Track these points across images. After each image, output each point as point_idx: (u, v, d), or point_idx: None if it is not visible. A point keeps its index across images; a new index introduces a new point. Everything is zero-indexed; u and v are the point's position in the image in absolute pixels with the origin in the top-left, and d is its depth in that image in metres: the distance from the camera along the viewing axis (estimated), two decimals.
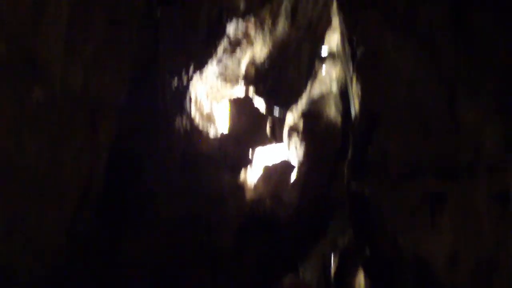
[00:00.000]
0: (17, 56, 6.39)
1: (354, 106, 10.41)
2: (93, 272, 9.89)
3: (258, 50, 17.24)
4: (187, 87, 14.24)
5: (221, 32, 14.82)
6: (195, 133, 15.67)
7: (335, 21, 18.66)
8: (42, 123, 7.02)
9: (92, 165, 8.52)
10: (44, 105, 6.97)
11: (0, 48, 6.10)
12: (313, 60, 19.65)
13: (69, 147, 7.80)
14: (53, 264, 7.81)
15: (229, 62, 16.55)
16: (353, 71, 10.08)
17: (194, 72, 13.97)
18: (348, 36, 10.18)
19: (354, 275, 13.44)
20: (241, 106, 17.74)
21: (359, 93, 9.86)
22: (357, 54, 9.76)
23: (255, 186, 20.07)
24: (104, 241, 10.86)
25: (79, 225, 8.44)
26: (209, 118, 18.57)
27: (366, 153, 9.53)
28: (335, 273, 15.00)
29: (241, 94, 18.04)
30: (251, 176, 20.59)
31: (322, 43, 20.01)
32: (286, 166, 20.34)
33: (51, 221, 7.52)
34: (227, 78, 17.03)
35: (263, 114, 18.54)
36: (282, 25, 17.15)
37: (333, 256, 15.53)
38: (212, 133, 17.55)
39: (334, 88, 20.45)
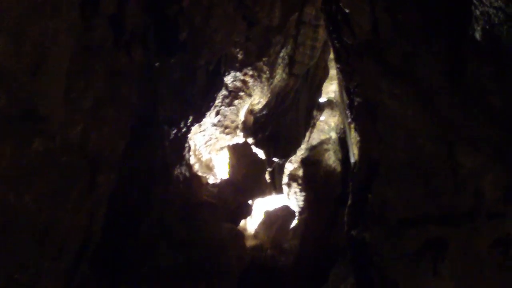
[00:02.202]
0: (17, 108, 6.42)
1: (353, 154, 10.43)
2: None
3: (257, 99, 17.36)
4: (185, 137, 14.28)
5: (219, 83, 14.94)
6: (194, 182, 15.64)
7: (332, 71, 18.88)
8: (41, 175, 7.01)
9: (91, 216, 8.48)
10: (43, 157, 6.97)
11: (0, 101, 6.14)
12: (311, 109, 19.81)
13: (68, 199, 7.77)
14: None
15: (227, 111, 16.63)
16: (351, 119, 10.12)
17: (193, 122, 14.01)
18: (345, 85, 10.25)
19: None
20: (240, 153, 17.73)
21: (358, 140, 9.89)
22: (355, 103, 9.82)
23: (256, 232, 19.95)
24: None
25: (77, 278, 8.36)
26: (208, 167, 18.56)
27: (366, 200, 9.49)
28: None
29: (240, 141, 18.06)
30: (251, 223, 20.49)
31: (320, 92, 20.21)
32: (287, 212, 20.28)
33: (50, 273, 7.44)
34: (226, 127, 17.08)
35: (262, 160, 18.54)
36: (279, 75, 17.32)
37: None
38: (211, 181, 17.52)
39: (333, 136, 20.58)
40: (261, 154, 18.72)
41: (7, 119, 6.23)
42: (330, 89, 21.15)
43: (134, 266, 11.67)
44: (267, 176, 19.69)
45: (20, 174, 6.60)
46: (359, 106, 9.78)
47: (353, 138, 10.17)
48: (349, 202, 10.36)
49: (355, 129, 9.97)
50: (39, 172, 6.95)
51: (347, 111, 10.45)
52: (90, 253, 8.81)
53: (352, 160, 10.71)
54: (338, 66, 10.58)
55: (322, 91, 20.50)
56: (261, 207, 20.63)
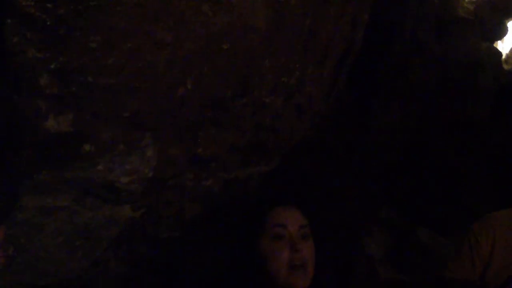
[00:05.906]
0: None
1: None
2: (343, 141, 9.96)
3: None
4: None
5: None
6: None
7: None
8: None
9: (353, 24, 8.26)
10: None
11: None
12: None
13: (331, 3, 7.59)
14: (314, 127, 7.91)
15: None
16: None
17: None
18: None
19: None
20: None
21: None
22: None
23: (507, 57, 18.73)
24: (355, 108, 10.84)
25: (338, 86, 8.37)
26: None
27: None
28: None
29: None
30: (505, 46, 19.26)
31: None
32: None
33: (313, 79, 7.52)
34: None
35: None
36: None
37: None
38: None
39: None
40: None
41: None
42: None
43: (386, 82, 11.56)
44: None
45: None
46: None
47: None
48: None
49: None
50: None
51: None
52: (350, 63, 8.70)
53: None
54: None
55: None
56: None
